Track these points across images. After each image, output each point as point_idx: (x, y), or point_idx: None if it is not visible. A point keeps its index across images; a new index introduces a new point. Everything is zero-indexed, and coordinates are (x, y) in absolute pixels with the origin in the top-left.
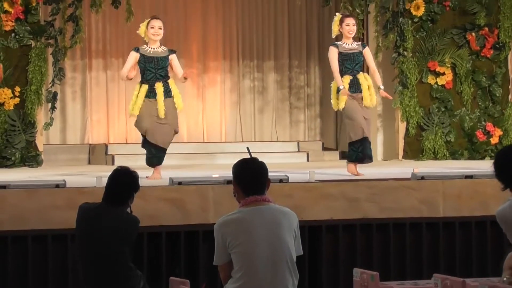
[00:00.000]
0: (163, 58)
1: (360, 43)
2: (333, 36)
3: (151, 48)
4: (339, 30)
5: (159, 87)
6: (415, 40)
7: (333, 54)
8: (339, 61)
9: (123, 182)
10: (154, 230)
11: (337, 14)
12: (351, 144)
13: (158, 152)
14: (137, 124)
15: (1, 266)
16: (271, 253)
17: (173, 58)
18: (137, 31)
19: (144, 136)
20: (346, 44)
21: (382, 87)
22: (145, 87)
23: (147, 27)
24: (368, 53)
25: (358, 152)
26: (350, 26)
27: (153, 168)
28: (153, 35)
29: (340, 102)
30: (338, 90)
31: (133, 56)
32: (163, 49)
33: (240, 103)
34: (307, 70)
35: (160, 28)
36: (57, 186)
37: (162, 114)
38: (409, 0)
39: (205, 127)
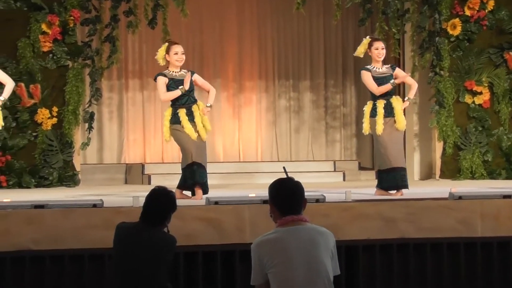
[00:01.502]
0: (191, 80)
1: (389, 66)
2: (355, 54)
3: (175, 72)
4: (367, 53)
5: (196, 110)
6: (451, 59)
7: (368, 76)
8: None
9: (161, 202)
10: (190, 250)
11: (367, 37)
12: (379, 172)
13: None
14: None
15: (38, 285)
16: (308, 273)
17: (197, 78)
18: (155, 57)
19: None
20: (377, 68)
21: (410, 98)
22: (183, 111)
23: (168, 53)
24: (399, 72)
25: (386, 181)
26: (379, 50)
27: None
28: (177, 61)
29: (377, 127)
30: (373, 114)
31: (163, 81)
32: (185, 72)
33: (276, 122)
34: (343, 90)
35: (183, 53)
36: (94, 205)
37: (204, 136)
38: (445, 19)
39: (241, 146)
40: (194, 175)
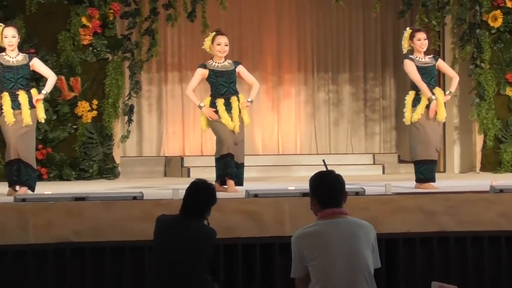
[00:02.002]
0: (232, 71)
1: (431, 56)
2: (404, 51)
3: (218, 63)
4: (410, 45)
5: (234, 101)
6: (492, 51)
7: (411, 67)
8: None
9: (201, 195)
10: (230, 242)
11: (407, 29)
12: (415, 163)
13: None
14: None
15: (79, 277)
16: (348, 266)
17: (241, 70)
18: (202, 47)
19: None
20: (420, 58)
21: (451, 92)
22: (221, 101)
23: (212, 42)
24: (442, 63)
25: (418, 172)
26: (422, 40)
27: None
28: (219, 51)
29: (414, 115)
30: (415, 104)
31: (200, 73)
32: (229, 62)
33: (315, 115)
34: (382, 82)
35: (226, 45)
36: (135, 198)
37: (237, 128)
38: (486, 11)
39: (280, 139)
40: (226, 166)
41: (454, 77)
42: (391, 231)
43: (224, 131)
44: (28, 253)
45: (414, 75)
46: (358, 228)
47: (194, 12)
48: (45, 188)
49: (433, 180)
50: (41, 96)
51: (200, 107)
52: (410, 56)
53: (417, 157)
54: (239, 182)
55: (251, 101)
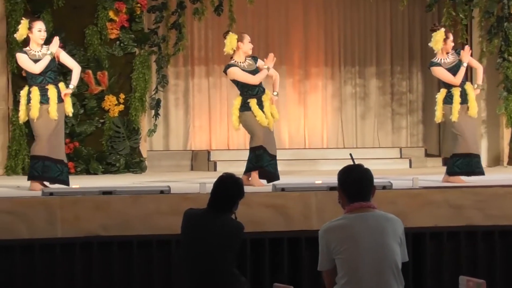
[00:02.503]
0: (256, 69)
1: (453, 51)
2: (435, 51)
3: (242, 63)
4: (442, 45)
5: (266, 99)
6: None
7: (442, 71)
8: None
9: (229, 189)
10: (257, 237)
11: (440, 29)
12: (452, 156)
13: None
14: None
15: (107, 271)
16: (376, 260)
17: (260, 64)
18: (224, 49)
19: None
20: (444, 59)
21: (479, 85)
22: (254, 101)
23: (242, 41)
24: (464, 55)
25: (455, 166)
26: (450, 40)
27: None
28: (249, 50)
29: (454, 113)
30: (447, 101)
31: (239, 70)
32: (249, 60)
33: (342, 109)
34: (409, 76)
35: (249, 42)
36: (162, 192)
37: (272, 125)
38: None
39: (306, 133)
40: (258, 160)
41: (478, 68)
42: (419, 225)
43: (258, 127)
44: (56, 247)
45: (446, 75)
46: (386, 222)
47: (221, 6)
48: (72, 182)
49: (473, 173)
50: (69, 91)
51: (268, 68)
52: (436, 62)
53: (454, 151)
54: (275, 176)
55: (277, 94)
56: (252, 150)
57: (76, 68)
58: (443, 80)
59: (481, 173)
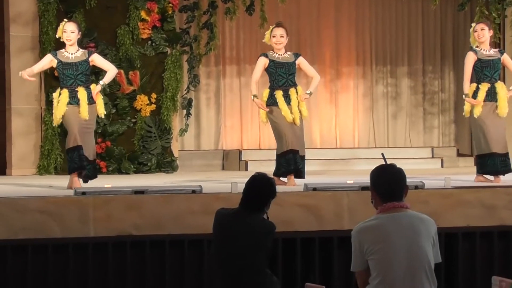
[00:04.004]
0: (292, 63)
1: (497, 50)
2: (474, 46)
3: (279, 55)
4: (474, 39)
5: (293, 93)
6: None
7: (469, 59)
8: (478, 68)
9: (261, 189)
10: (289, 236)
11: (472, 25)
12: (478, 157)
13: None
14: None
15: (140, 270)
16: (409, 260)
17: (301, 61)
18: (262, 40)
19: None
20: (484, 50)
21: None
22: (279, 93)
23: (270, 35)
24: (507, 58)
25: (486, 166)
26: (478, 31)
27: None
28: (275, 44)
29: (475, 109)
30: (475, 96)
31: (262, 62)
32: (289, 54)
33: (373, 108)
34: (441, 75)
35: (282, 36)
36: (193, 191)
37: (298, 120)
38: None
39: (338, 132)
40: (288, 164)
41: None
42: (451, 225)
43: (283, 126)
44: (88, 246)
45: (467, 68)
46: (419, 222)
47: (252, 5)
48: (104, 182)
49: (497, 173)
50: (99, 88)
51: (253, 96)
52: (474, 48)
53: (480, 152)
54: (301, 175)
55: (310, 93)
56: (282, 155)
57: (112, 70)
58: (464, 71)
59: (507, 171)
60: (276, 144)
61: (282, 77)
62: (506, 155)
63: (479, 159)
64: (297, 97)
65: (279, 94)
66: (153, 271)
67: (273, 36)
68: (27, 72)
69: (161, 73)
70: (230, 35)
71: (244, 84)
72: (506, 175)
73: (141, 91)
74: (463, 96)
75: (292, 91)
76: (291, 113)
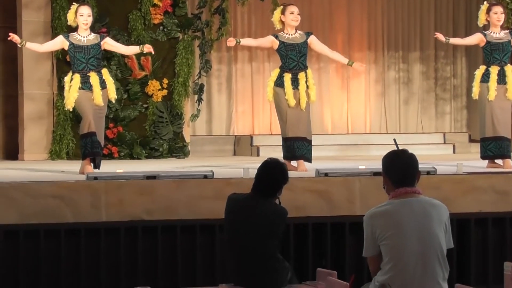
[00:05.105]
0: (303, 44)
1: (508, 31)
2: (480, 25)
3: (289, 35)
4: (486, 19)
5: (302, 77)
6: None
7: (475, 36)
8: (488, 50)
9: (273, 174)
10: (300, 221)
11: (484, 3)
12: (482, 140)
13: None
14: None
15: (151, 255)
16: (421, 246)
17: (312, 40)
18: (271, 19)
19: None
20: (494, 33)
21: None
22: (288, 76)
23: (283, 13)
24: None
25: (487, 149)
26: (498, 14)
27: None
28: (293, 20)
29: (490, 93)
30: (484, 79)
31: (270, 40)
32: (300, 34)
33: (385, 94)
34: (453, 61)
35: (299, 14)
36: (205, 177)
37: (303, 105)
38: None
39: (349, 118)
40: (288, 150)
41: None
42: (463, 211)
43: (285, 111)
44: (100, 231)
45: (468, 38)
46: (431, 208)
47: None
48: (116, 167)
49: (505, 156)
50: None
51: (237, 41)
52: (483, 31)
53: (482, 134)
54: (307, 159)
55: (351, 63)
56: (284, 140)
57: (129, 48)
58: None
59: (509, 156)
60: (280, 126)
61: (292, 60)
62: (510, 140)
63: (481, 142)
64: (306, 82)
65: (287, 77)
66: (164, 256)
67: (291, 13)
68: (30, 44)
69: (172, 59)
70: (242, 20)
71: (255, 70)
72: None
73: (153, 76)
74: (445, 39)
75: (301, 75)
76: (298, 97)
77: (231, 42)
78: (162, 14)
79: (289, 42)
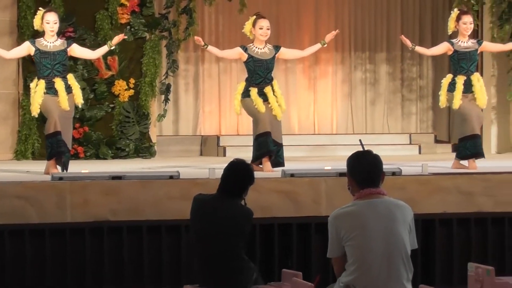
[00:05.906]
0: (271, 60)
1: (475, 40)
2: (449, 32)
3: (258, 49)
4: (455, 27)
5: (269, 91)
6: None
7: (442, 45)
8: (455, 59)
9: (239, 175)
10: (266, 222)
11: (454, 10)
12: (461, 140)
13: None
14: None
15: (117, 256)
16: (385, 247)
17: (281, 53)
18: (242, 30)
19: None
20: (462, 42)
21: None
22: (254, 90)
23: (253, 26)
24: (487, 44)
25: (466, 149)
26: (467, 24)
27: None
28: (261, 35)
29: (455, 101)
30: (451, 89)
31: (238, 52)
32: (269, 48)
33: (352, 94)
34: (419, 62)
35: (268, 29)
36: (171, 177)
37: (279, 115)
38: None
39: (316, 119)
40: (260, 147)
41: (507, 45)
42: (428, 211)
43: (257, 112)
44: (66, 231)
45: (435, 48)
46: (395, 209)
47: None
48: (81, 167)
49: (479, 155)
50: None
51: (205, 45)
52: (451, 40)
53: (462, 135)
54: (280, 163)
55: (324, 43)
56: (256, 138)
57: (95, 52)
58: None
59: (481, 155)
60: (252, 127)
61: (259, 76)
62: (479, 137)
63: (460, 143)
64: (274, 93)
65: (253, 92)
66: (130, 257)
67: (260, 28)
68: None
69: (139, 58)
70: (209, 20)
71: (222, 70)
72: (480, 160)
73: (120, 76)
74: (411, 45)
75: (267, 89)
76: (272, 109)
77: (199, 41)
78: (129, 13)
79: (257, 58)
